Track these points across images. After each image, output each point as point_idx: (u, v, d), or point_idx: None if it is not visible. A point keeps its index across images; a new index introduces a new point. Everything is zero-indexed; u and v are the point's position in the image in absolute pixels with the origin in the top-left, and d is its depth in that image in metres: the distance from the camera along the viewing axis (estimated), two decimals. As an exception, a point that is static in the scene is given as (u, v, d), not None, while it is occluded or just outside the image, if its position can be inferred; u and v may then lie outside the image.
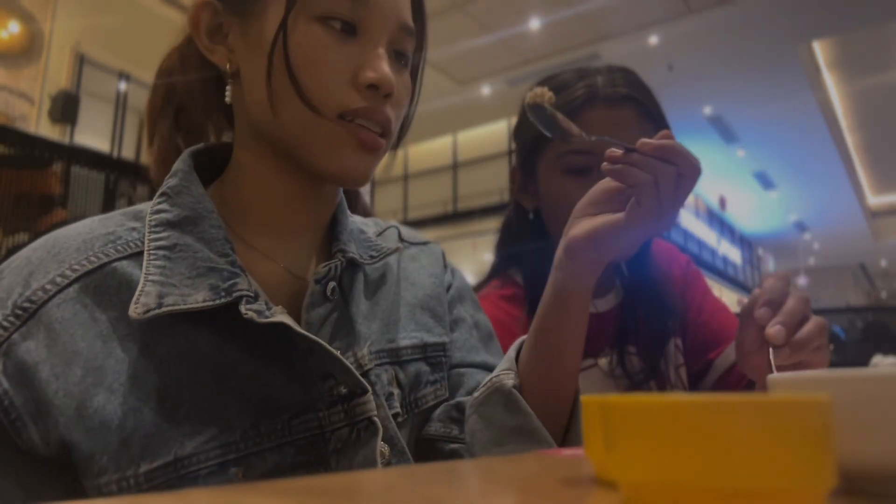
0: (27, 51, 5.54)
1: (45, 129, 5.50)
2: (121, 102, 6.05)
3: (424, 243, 0.72)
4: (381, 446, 0.52)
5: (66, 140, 5.26)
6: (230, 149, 0.60)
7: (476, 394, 0.58)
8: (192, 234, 0.51)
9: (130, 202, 3.90)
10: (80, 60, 5.95)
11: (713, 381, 0.92)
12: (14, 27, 5.46)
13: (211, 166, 0.59)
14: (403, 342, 0.60)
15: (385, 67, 0.53)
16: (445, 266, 0.72)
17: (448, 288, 0.69)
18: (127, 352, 0.46)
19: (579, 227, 0.55)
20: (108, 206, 3.71)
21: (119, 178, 3.87)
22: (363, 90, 0.52)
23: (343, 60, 0.52)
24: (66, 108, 5.53)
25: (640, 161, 0.51)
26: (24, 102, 5.48)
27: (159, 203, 0.53)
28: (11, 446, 0.44)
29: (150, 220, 0.52)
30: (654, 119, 0.86)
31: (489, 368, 0.66)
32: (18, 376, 0.44)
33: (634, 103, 0.84)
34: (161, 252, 0.50)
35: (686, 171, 0.51)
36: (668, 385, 0.91)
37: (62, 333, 0.45)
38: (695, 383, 0.95)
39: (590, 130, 0.82)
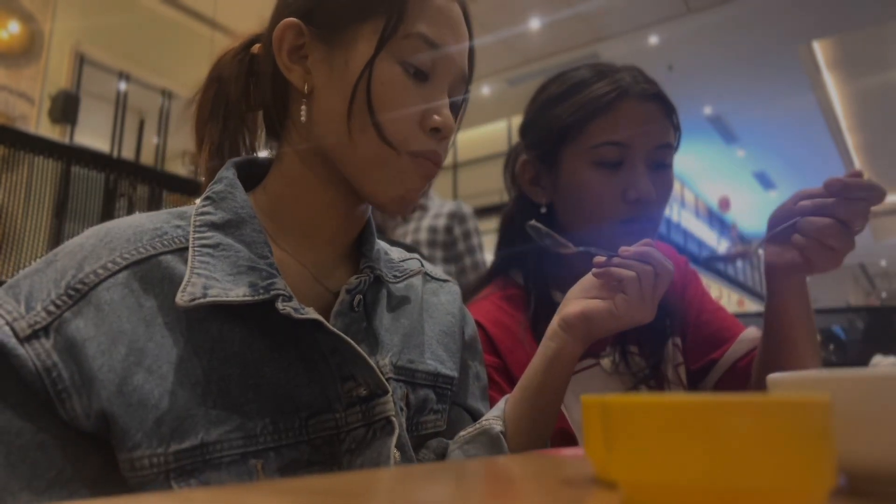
0: (27, 51, 5.54)
1: (45, 129, 5.50)
2: (121, 102, 6.05)
3: (444, 280, 0.76)
4: (394, 452, 0.54)
5: (66, 140, 5.26)
6: (266, 160, 0.65)
7: (463, 433, 0.64)
8: (233, 236, 0.55)
9: (130, 202, 3.90)
10: (80, 60, 5.95)
11: (715, 380, 0.92)
12: (14, 27, 5.45)
13: (251, 175, 0.63)
14: (421, 366, 0.64)
15: (448, 114, 0.60)
16: (461, 310, 0.76)
17: (463, 334, 0.73)
18: (166, 338, 0.50)
19: (575, 305, 0.65)
20: (107, 205, 3.71)
21: (119, 178, 3.87)
22: (428, 132, 0.59)
23: (416, 103, 0.58)
24: (66, 108, 5.52)
25: (623, 263, 0.63)
26: (24, 102, 5.48)
27: (204, 206, 0.57)
28: (56, 417, 0.46)
29: (196, 221, 0.56)
30: (674, 118, 0.88)
31: (479, 417, 0.70)
32: (67, 351, 0.46)
33: (661, 101, 0.86)
34: (206, 249, 0.53)
35: (660, 272, 0.62)
36: (667, 384, 0.91)
37: (110, 314, 0.48)
38: (694, 382, 0.95)
39: (622, 125, 0.83)
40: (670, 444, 0.22)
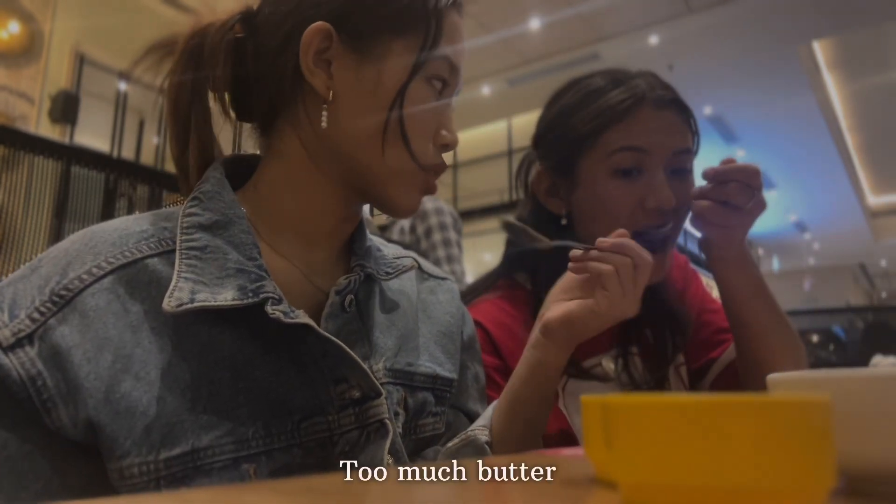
0: (27, 51, 5.54)
1: (45, 129, 5.49)
2: (121, 102, 6.04)
3: (442, 278, 0.75)
4: (387, 458, 0.53)
5: (66, 140, 5.26)
6: (253, 157, 0.63)
7: (450, 444, 0.63)
8: (222, 237, 0.54)
9: (130, 202, 3.90)
10: (80, 60, 5.94)
11: (713, 379, 0.92)
12: (14, 27, 5.45)
13: (237, 174, 0.62)
14: (418, 368, 0.63)
15: (455, 129, 0.62)
16: (460, 309, 0.75)
17: (461, 334, 0.72)
18: (154, 344, 0.49)
19: (554, 309, 0.63)
20: (108, 205, 3.71)
21: (119, 178, 3.88)
22: (439, 146, 0.61)
23: (434, 119, 0.59)
24: (66, 108, 5.51)
25: (600, 256, 0.61)
26: (24, 102, 5.48)
27: (191, 207, 0.55)
28: (42, 426, 0.45)
29: (183, 223, 0.54)
30: (692, 123, 0.87)
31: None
32: (52, 359, 0.46)
33: (678, 106, 0.85)
34: (193, 252, 0.52)
35: (639, 263, 0.61)
36: (668, 385, 0.91)
37: (95, 321, 0.47)
38: (694, 381, 0.95)
39: (638, 130, 0.82)
40: (670, 444, 0.22)
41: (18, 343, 0.45)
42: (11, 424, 0.45)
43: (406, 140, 0.56)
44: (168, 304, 0.48)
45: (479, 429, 0.63)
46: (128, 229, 0.53)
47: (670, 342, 0.91)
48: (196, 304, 0.48)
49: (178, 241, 0.53)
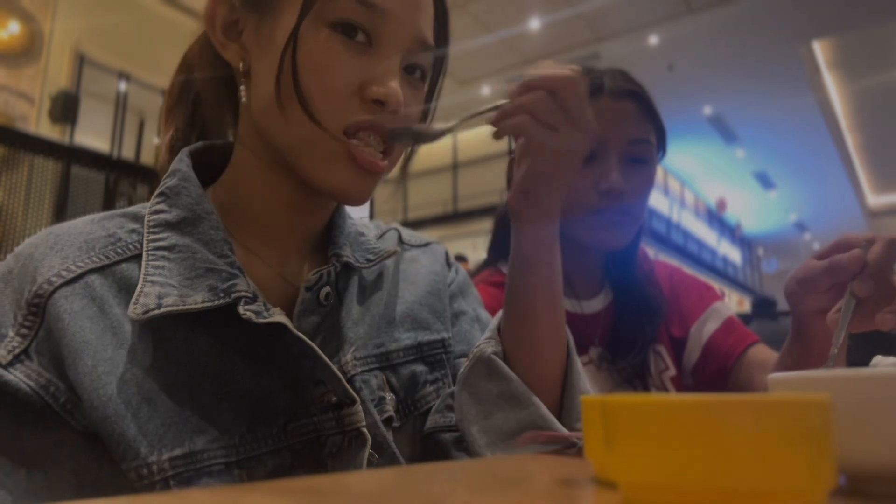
0: (27, 51, 5.54)
1: (45, 129, 5.50)
2: (121, 102, 6.04)
3: (426, 244, 0.71)
4: (371, 455, 0.52)
5: (66, 140, 5.26)
6: (231, 148, 0.60)
7: (461, 370, 0.57)
8: (190, 235, 0.51)
9: (130, 202, 3.90)
10: (80, 60, 5.94)
11: (698, 353, 0.96)
12: (14, 27, 5.45)
13: (211, 165, 0.59)
14: (394, 345, 0.59)
15: (394, 83, 0.52)
16: (449, 264, 0.71)
17: (450, 284, 0.69)
18: (136, 347, 0.47)
19: (511, 190, 0.53)
20: (108, 206, 3.71)
21: (119, 178, 3.88)
22: (369, 104, 0.51)
23: (353, 71, 0.51)
24: (66, 108, 5.52)
25: (512, 106, 0.49)
26: (24, 102, 5.48)
27: (157, 203, 0.53)
28: (66, 426, 0.45)
29: (149, 221, 0.52)
30: (652, 117, 0.90)
31: None
32: (55, 367, 0.45)
33: (637, 98, 0.89)
34: (160, 253, 0.50)
35: (558, 87, 0.48)
36: (654, 388, 0.93)
37: (71, 324, 0.46)
38: (679, 352, 0.98)
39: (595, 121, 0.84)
40: (670, 444, 0.22)
41: (17, 359, 0.45)
42: (33, 429, 0.44)
43: (298, 90, 0.49)
44: (133, 310, 0.46)
45: (485, 341, 0.57)
46: (92, 234, 0.51)
47: (647, 327, 0.94)
48: (164, 310, 0.46)
49: (144, 242, 0.51)
